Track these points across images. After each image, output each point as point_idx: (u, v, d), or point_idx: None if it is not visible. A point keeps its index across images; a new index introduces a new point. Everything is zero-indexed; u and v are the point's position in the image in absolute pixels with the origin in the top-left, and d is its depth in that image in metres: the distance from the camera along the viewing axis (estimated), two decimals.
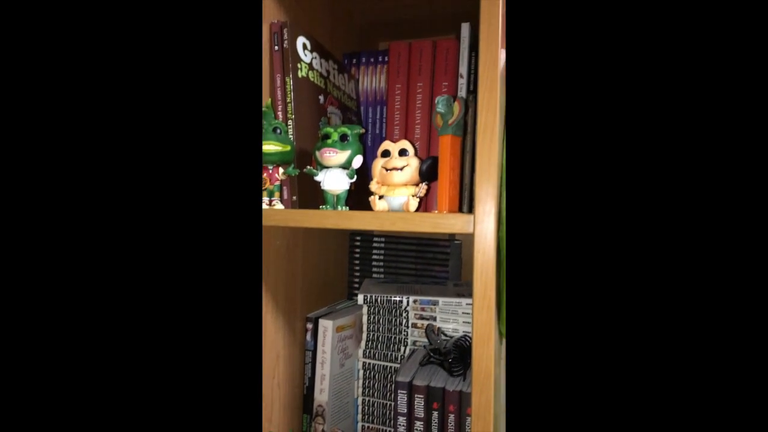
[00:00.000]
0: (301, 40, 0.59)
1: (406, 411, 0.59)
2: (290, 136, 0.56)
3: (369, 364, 0.69)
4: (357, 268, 0.87)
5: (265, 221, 0.48)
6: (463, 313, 0.68)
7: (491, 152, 0.39)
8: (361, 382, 0.70)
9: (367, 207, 0.49)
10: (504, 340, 0.49)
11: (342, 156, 0.49)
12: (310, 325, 0.69)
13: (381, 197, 0.49)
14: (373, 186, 0.50)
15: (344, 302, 0.82)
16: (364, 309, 0.72)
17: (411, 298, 0.70)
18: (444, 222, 0.41)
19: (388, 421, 0.67)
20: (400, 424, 0.60)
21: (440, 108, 0.46)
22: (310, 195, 0.59)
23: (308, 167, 0.52)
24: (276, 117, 0.57)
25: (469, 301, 0.68)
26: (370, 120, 0.78)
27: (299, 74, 0.58)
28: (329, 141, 0.49)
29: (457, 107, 0.46)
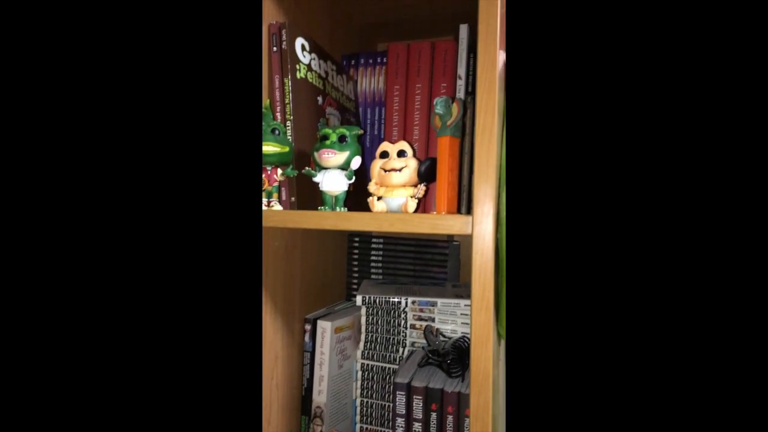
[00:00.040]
0: (299, 41, 0.59)
1: (404, 412, 0.59)
2: (289, 137, 0.56)
3: (367, 365, 0.69)
4: (355, 269, 0.87)
5: (264, 222, 0.48)
6: (461, 314, 0.68)
7: (489, 153, 0.39)
8: (359, 383, 0.69)
9: (366, 208, 0.49)
10: (502, 341, 0.49)
11: (340, 157, 0.49)
12: (308, 326, 0.69)
13: (379, 198, 0.49)
14: (372, 187, 0.50)
15: (343, 303, 0.82)
16: (363, 310, 0.72)
17: (409, 299, 0.70)
18: (442, 223, 0.41)
19: (386, 422, 0.67)
20: (398, 426, 0.60)
21: (439, 109, 0.46)
22: (308, 196, 0.59)
23: (307, 168, 0.52)
24: (274, 118, 0.57)
25: (467, 302, 0.68)
26: (368, 121, 0.78)
27: (298, 75, 0.59)
28: (328, 142, 0.49)
29: (455, 108, 0.46)
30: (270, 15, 0.59)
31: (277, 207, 0.52)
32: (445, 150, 0.46)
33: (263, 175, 0.51)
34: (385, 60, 0.76)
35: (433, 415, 0.58)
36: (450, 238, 0.84)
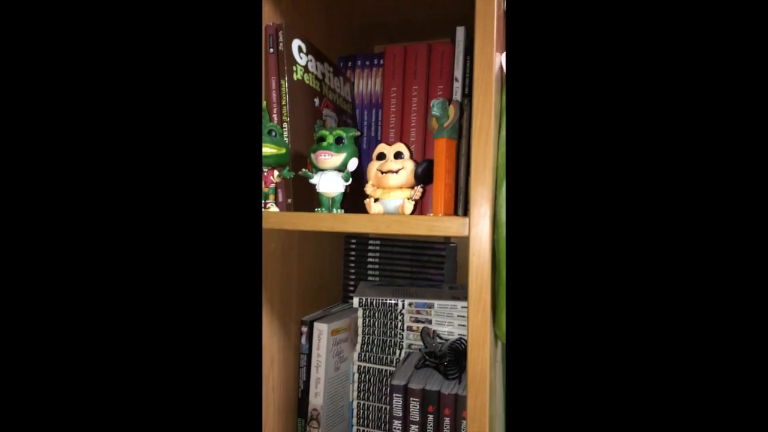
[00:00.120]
0: (296, 43, 0.59)
1: (401, 414, 0.59)
2: (285, 139, 0.56)
3: (364, 367, 0.69)
4: (352, 271, 0.87)
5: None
6: (458, 316, 0.68)
7: (486, 155, 0.39)
8: (356, 385, 0.69)
9: (363, 210, 0.49)
10: (499, 343, 0.49)
11: (337, 159, 0.49)
12: (305, 329, 0.69)
13: (376, 200, 0.49)
14: (369, 189, 0.50)
15: (339, 305, 0.81)
16: (360, 312, 0.72)
17: (406, 301, 0.70)
18: (439, 225, 0.41)
19: (383, 424, 0.67)
20: (395, 428, 0.59)
21: (435, 111, 0.46)
22: (305, 198, 0.59)
23: (303, 170, 0.52)
24: (271, 119, 0.57)
25: (464, 304, 0.68)
26: (365, 123, 0.78)
27: (294, 77, 0.58)
28: (324, 144, 0.49)
29: (452, 110, 0.46)
30: (267, 16, 0.59)
31: (274, 209, 0.51)
32: (441, 152, 0.46)
33: None
34: (381, 62, 0.76)
35: (430, 417, 0.58)
36: (447, 240, 0.84)
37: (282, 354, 0.66)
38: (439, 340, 0.67)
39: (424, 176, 0.48)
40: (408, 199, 0.47)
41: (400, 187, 0.48)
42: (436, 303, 0.69)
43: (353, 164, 0.50)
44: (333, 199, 0.50)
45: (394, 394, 0.59)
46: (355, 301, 0.71)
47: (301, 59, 0.60)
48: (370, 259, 0.86)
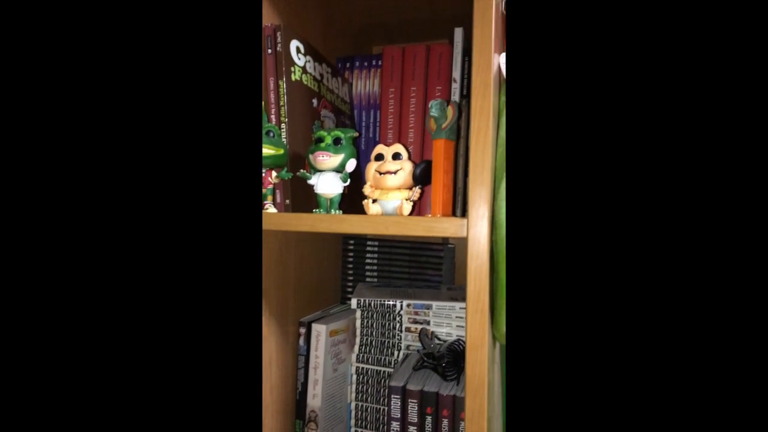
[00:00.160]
0: (294, 44, 0.59)
1: (399, 416, 0.59)
2: (283, 140, 0.56)
3: (362, 368, 0.69)
4: (350, 272, 0.87)
5: None
6: (456, 317, 0.68)
7: (484, 156, 0.39)
8: (354, 386, 0.69)
9: (361, 211, 0.49)
10: (497, 344, 0.49)
11: (335, 159, 0.49)
12: (303, 330, 0.69)
13: (374, 201, 0.49)
14: (367, 190, 0.50)
15: (337, 306, 0.81)
16: (358, 313, 0.72)
17: (404, 302, 0.70)
18: (437, 226, 0.41)
19: (381, 426, 0.67)
20: (393, 429, 0.59)
21: (434, 112, 0.46)
22: (303, 199, 0.59)
23: (301, 171, 0.52)
24: (269, 120, 0.57)
25: (462, 305, 0.68)
26: (363, 124, 0.78)
27: (293, 77, 0.58)
28: (322, 144, 0.49)
29: (450, 111, 0.46)
30: (265, 17, 0.59)
31: (272, 210, 0.51)
32: (440, 153, 0.46)
33: None
34: (380, 63, 0.76)
35: (429, 418, 0.58)
36: (445, 241, 0.84)
37: (280, 355, 0.66)
38: (437, 342, 0.67)
39: (422, 177, 0.48)
40: (406, 200, 0.47)
41: (399, 188, 0.48)
42: (435, 304, 0.69)
43: (351, 165, 0.50)
44: (331, 200, 0.50)
45: (392, 396, 0.59)
46: (354, 302, 0.71)
47: (300, 60, 0.60)
48: (368, 260, 0.85)
